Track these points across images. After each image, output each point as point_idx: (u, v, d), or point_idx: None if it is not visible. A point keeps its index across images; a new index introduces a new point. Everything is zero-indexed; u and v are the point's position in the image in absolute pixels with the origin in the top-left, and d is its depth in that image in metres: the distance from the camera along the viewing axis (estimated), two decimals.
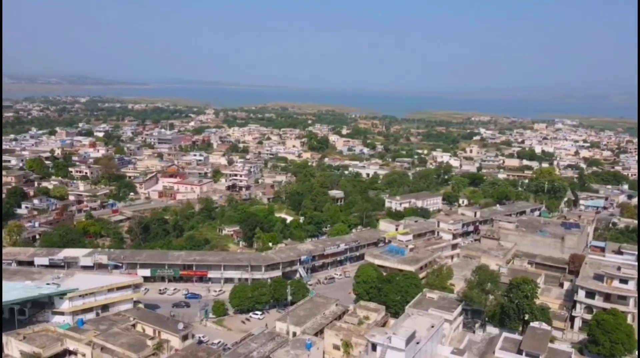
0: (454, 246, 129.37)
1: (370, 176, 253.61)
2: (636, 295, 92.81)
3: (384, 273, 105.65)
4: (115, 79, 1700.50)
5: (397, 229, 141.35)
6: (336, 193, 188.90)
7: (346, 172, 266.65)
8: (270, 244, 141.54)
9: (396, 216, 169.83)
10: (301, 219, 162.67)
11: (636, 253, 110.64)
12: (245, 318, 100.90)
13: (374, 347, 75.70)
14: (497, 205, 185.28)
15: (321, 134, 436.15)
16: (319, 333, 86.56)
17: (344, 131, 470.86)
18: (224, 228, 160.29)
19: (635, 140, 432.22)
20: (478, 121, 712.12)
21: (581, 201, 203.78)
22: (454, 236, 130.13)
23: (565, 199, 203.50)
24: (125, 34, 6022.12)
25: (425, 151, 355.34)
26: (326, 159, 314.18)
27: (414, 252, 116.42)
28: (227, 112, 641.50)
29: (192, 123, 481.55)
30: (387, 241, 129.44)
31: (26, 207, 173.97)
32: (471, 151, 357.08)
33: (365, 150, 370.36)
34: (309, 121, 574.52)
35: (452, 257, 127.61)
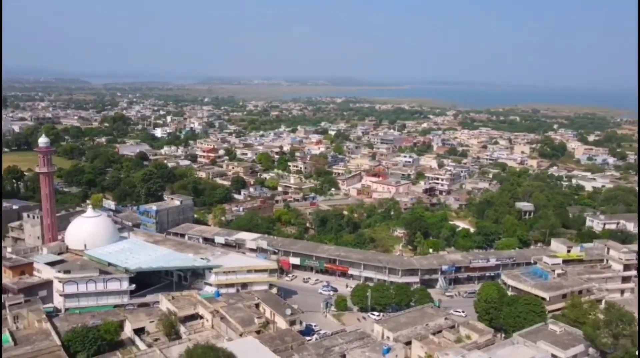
0: (626, 279, 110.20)
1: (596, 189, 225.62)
2: None
3: (512, 294, 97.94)
4: (375, 81, 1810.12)
5: (569, 251, 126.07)
6: (524, 205, 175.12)
7: (566, 183, 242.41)
8: (430, 250, 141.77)
9: (588, 237, 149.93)
10: (471, 229, 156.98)
11: None
12: (362, 317, 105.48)
13: None
14: None
15: (561, 139, 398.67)
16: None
17: (591, 138, 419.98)
18: (396, 229, 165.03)
19: None
20: None
21: None
22: (626, 267, 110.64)
23: None
24: (385, 37, 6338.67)
25: None
26: (554, 168, 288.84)
27: (561, 278, 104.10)
28: (467, 114, 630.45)
29: (424, 124, 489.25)
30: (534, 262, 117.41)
31: (244, 194, 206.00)
32: None
33: (611, 160, 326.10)
34: (555, 126, 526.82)
35: (621, 291, 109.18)
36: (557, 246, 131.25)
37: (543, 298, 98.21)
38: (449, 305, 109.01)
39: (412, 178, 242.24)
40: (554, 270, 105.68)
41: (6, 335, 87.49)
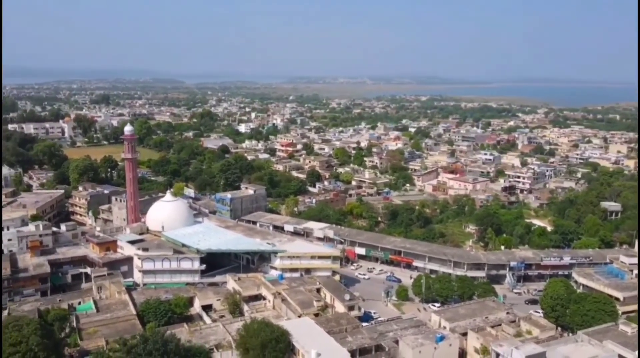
0: None
1: None
2: None
3: (581, 292, 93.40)
4: (461, 79, 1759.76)
5: None
6: (610, 204, 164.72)
7: None
8: (502, 247, 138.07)
9: None
10: (548, 228, 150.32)
11: None
12: (423, 307, 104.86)
13: (497, 356, 72.60)
14: None
15: None
16: None
17: None
18: (469, 225, 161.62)
19: None
20: None
21: None
22: None
23: None
24: (473, 33, 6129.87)
25: None
26: None
27: None
28: (560, 112, 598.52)
29: (511, 122, 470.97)
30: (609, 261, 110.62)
31: (318, 187, 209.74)
32: None
33: None
34: None
35: None
36: None
37: (617, 299, 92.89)
38: (516, 302, 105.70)
39: (491, 176, 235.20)
40: (631, 270, 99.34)
41: (90, 302, 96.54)
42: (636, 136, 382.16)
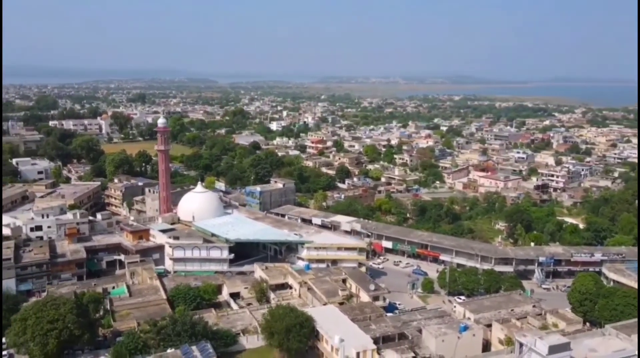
0: None
1: None
2: None
3: (610, 287, 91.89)
4: (497, 78, 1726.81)
5: None
6: None
7: None
8: (532, 244, 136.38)
9: None
10: (581, 226, 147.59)
11: None
12: (448, 300, 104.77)
13: (520, 346, 72.33)
14: None
15: None
16: None
17: None
18: (498, 222, 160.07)
19: None
20: None
21: None
22: None
23: None
24: (507, 32, 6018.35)
25: None
26: None
27: None
28: (599, 112, 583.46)
29: (546, 122, 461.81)
30: None
31: (347, 183, 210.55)
32: None
33: None
34: None
35: None
36: None
37: None
38: (544, 298, 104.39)
39: (523, 174, 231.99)
40: None
41: (123, 287, 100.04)
42: None
